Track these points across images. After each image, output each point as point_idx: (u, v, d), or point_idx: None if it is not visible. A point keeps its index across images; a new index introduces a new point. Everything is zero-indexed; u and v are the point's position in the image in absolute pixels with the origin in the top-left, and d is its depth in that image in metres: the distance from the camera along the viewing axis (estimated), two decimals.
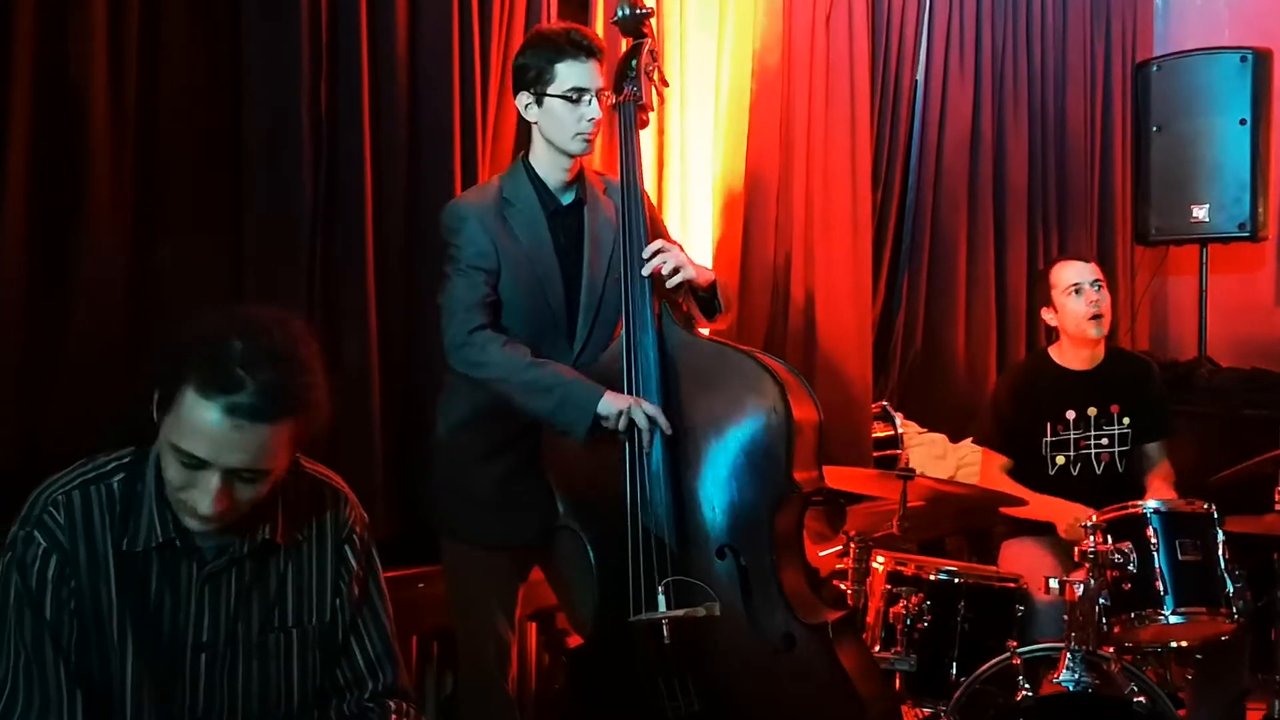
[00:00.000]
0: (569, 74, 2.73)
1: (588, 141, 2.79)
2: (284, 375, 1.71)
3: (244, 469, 1.73)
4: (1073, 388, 3.80)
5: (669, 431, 2.66)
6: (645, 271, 2.73)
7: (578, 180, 2.87)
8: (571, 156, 2.82)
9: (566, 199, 2.86)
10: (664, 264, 2.73)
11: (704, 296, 2.86)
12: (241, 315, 1.76)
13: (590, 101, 2.74)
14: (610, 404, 2.64)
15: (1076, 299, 3.75)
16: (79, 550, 1.81)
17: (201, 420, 1.69)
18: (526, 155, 2.87)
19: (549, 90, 2.74)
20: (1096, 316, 3.73)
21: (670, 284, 2.75)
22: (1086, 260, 3.83)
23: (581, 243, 2.84)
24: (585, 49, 2.75)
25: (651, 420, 2.64)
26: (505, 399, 2.72)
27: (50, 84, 2.77)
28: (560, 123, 2.76)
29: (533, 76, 2.76)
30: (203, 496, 1.73)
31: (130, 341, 2.91)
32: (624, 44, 2.97)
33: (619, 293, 2.80)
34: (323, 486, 2.00)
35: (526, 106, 2.79)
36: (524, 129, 2.93)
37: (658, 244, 2.77)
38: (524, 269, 2.77)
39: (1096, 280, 3.75)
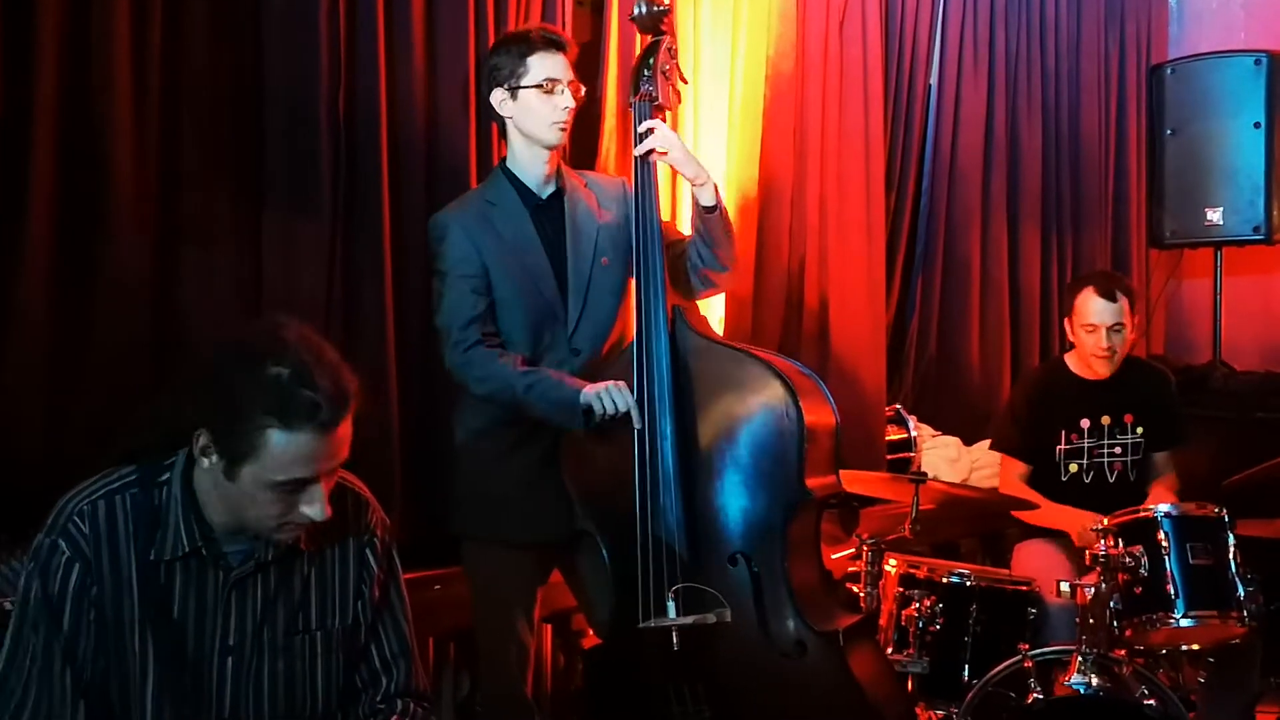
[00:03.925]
0: (541, 66, 2.83)
1: (563, 131, 2.87)
2: (332, 374, 1.79)
3: (335, 466, 1.84)
4: (1088, 397, 3.81)
5: (639, 425, 2.68)
6: (638, 151, 2.84)
7: (556, 174, 2.94)
8: (549, 149, 2.89)
9: (547, 192, 2.93)
10: (655, 144, 2.84)
11: (704, 203, 2.89)
12: (257, 340, 1.81)
13: (563, 91, 2.84)
14: (589, 394, 2.69)
15: (1090, 336, 3.75)
16: (103, 560, 1.85)
17: (297, 449, 1.76)
18: (504, 160, 2.96)
19: (523, 83, 2.84)
20: (1106, 357, 3.74)
21: (654, 159, 2.85)
22: (1114, 296, 3.71)
23: (565, 232, 2.90)
24: (555, 43, 2.87)
25: (628, 403, 2.68)
26: (504, 407, 2.80)
27: (74, 90, 2.80)
28: (535, 114, 2.85)
29: (506, 73, 2.85)
30: (316, 507, 1.82)
31: (153, 346, 2.95)
32: (639, 42, 2.99)
33: (607, 275, 2.91)
34: (345, 493, 2.04)
35: (501, 102, 2.88)
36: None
37: (654, 123, 2.86)
38: (514, 264, 2.84)
39: (1117, 325, 3.70)
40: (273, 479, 1.78)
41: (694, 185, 2.90)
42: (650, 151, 2.85)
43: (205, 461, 1.81)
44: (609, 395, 2.67)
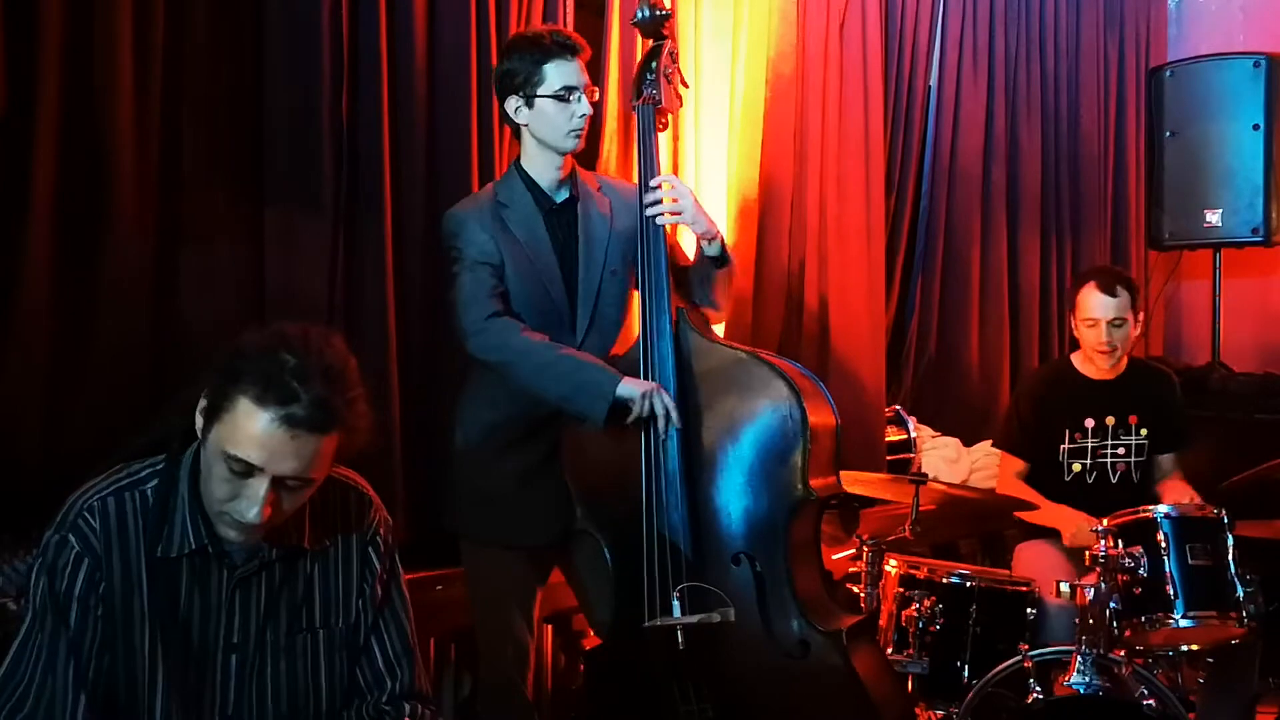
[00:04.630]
0: (558, 74, 2.80)
1: (579, 137, 2.84)
2: (335, 390, 1.77)
3: (291, 477, 1.80)
4: (1093, 397, 3.81)
5: (679, 425, 2.68)
6: (650, 212, 2.81)
7: (570, 178, 2.92)
8: (563, 154, 2.87)
9: (560, 196, 2.91)
10: (667, 208, 2.81)
11: (711, 255, 2.89)
12: (291, 331, 1.81)
13: (580, 99, 2.81)
14: (630, 388, 2.68)
15: (1090, 331, 3.75)
16: (112, 556, 1.85)
17: (256, 428, 1.74)
18: (519, 160, 2.93)
19: (539, 91, 2.80)
20: (1107, 351, 3.74)
21: (663, 222, 2.83)
22: (1114, 291, 3.69)
23: (577, 237, 2.89)
24: (570, 48, 2.82)
25: (667, 411, 2.67)
26: (521, 383, 2.75)
27: (76, 90, 2.81)
28: (553, 122, 2.82)
29: (521, 80, 2.81)
30: (250, 505, 1.79)
31: (154, 345, 2.95)
32: (641, 46, 2.99)
33: (617, 284, 2.89)
34: (348, 491, 2.04)
35: (516, 110, 2.84)
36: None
37: (665, 179, 2.84)
38: (524, 266, 2.83)
39: (1117, 319, 3.69)
40: (225, 449, 1.77)
41: (703, 239, 2.88)
42: (662, 210, 2.83)
43: (199, 420, 1.82)
44: (652, 399, 2.66)
